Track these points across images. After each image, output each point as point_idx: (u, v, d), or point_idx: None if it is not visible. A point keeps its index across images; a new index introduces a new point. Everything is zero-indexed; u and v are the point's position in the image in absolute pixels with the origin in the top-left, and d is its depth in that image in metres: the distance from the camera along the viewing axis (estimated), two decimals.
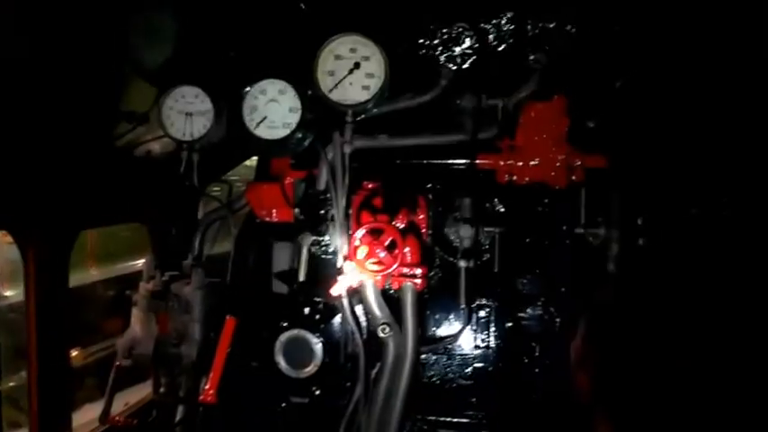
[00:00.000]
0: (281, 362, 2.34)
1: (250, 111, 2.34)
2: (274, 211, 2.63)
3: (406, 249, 2.32)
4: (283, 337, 2.33)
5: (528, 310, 2.54)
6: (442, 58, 2.39)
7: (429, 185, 2.59)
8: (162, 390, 2.93)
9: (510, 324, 2.55)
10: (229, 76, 2.37)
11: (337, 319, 2.43)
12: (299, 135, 2.39)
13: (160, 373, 2.91)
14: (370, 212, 2.32)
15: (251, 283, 2.60)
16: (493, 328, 2.56)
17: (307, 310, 2.39)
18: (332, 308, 2.40)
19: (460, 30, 2.41)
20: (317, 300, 2.40)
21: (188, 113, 2.35)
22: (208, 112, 2.35)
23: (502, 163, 2.41)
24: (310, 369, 2.32)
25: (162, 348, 2.72)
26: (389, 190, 2.42)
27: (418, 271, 2.37)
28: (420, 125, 2.52)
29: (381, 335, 2.37)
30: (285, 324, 2.34)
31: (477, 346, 2.57)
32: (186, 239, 2.82)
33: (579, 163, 2.33)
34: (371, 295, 2.40)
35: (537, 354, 2.49)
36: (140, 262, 3.33)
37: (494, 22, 2.43)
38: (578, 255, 2.46)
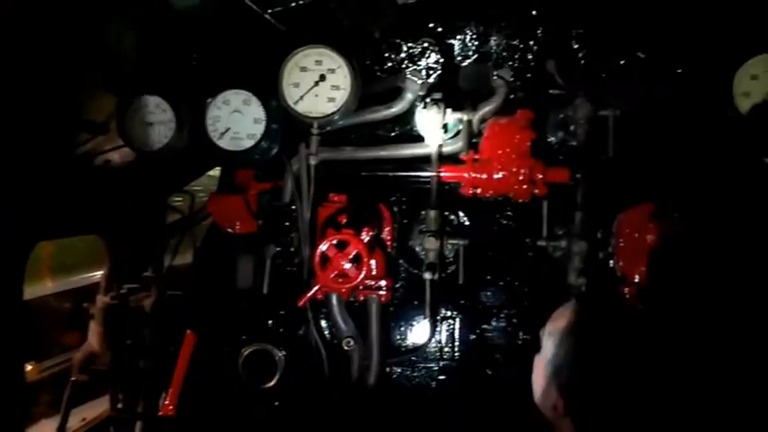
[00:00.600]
0: (244, 375, 2.31)
1: (213, 121, 2.31)
2: (238, 222, 2.60)
3: (372, 262, 2.33)
4: (246, 350, 2.31)
5: (492, 323, 2.56)
6: (408, 72, 2.40)
7: (394, 197, 2.60)
8: (120, 405, 2.85)
9: (473, 336, 2.56)
10: (192, 85, 2.34)
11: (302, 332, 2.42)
12: (264, 146, 2.37)
13: (118, 387, 2.83)
14: (335, 225, 2.32)
15: (213, 296, 2.56)
16: (457, 341, 2.57)
17: (270, 323, 2.36)
18: (296, 320, 2.37)
19: (426, 45, 2.42)
20: (281, 312, 2.37)
21: (149, 123, 2.31)
22: (169, 122, 2.31)
23: (466, 176, 2.42)
24: (273, 382, 2.29)
25: (120, 363, 2.65)
26: (355, 202, 2.42)
27: (383, 283, 2.38)
28: (386, 138, 2.54)
29: (346, 348, 2.37)
30: (247, 337, 2.31)
31: (441, 358, 2.57)
32: (146, 251, 2.76)
33: (541, 177, 2.36)
34: (336, 308, 2.40)
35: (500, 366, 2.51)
36: (99, 274, 3.25)
37: (459, 37, 2.46)
38: (541, 267, 2.50)
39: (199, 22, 2.24)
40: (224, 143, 2.32)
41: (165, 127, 2.31)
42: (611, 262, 2.42)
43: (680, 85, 2.28)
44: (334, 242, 2.11)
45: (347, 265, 2.12)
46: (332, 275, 2.11)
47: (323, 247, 2.11)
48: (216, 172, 2.84)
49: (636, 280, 2.28)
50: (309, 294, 2.16)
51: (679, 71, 2.29)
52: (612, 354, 1.28)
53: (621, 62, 2.33)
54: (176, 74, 2.35)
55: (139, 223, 2.67)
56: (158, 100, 2.30)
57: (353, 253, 2.11)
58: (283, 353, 2.29)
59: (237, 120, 2.30)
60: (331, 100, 2.25)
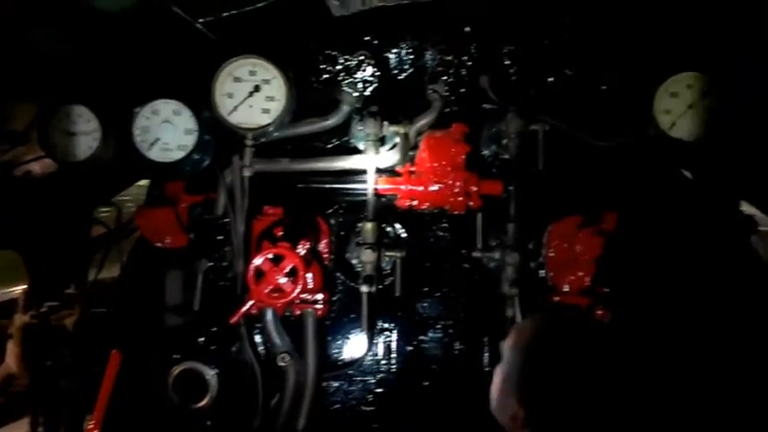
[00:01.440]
0: (174, 395, 2.22)
1: (141, 132, 2.23)
2: (167, 236, 2.51)
3: (308, 275, 2.30)
4: (176, 369, 2.22)
5: (429, 334, 2.58)
6: (345, 85, 2.39)
7: (331, 210, 2.58)
8: (40, 429, 2.69)
9: (411, 348, 2.57)
10: (119, 94, 2.25)
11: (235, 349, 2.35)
12: (196, 157, 2.30)
13: (38, 410, 2.67)
14: (271, 238, 2.27)
15: (140, 313, 2.45)
16: (394, 353, 2.57)
17: (201, 340, 2.29)
18: (229, 337, 2.31)
19: (362, 57, 2.43)
20: (213, 329, 2.30)
21: (72, 133, 2.20)
22: (94, 132, 2.21)
23: (403, 188, 2.44)
24: (205, 402, 2.21)
25: (39, 384, 2.50)
26: (291, 215, 2.38)
27: (320, 297, 2.35)
28: (322, 150, 2.52)
29: (281, 364, 2.33)
30: (178, 356, 2.23)
31: (378, 371, 2.56)
32: (69, 267, 2.62)
33: (476, 189, 2.40)
34: (271, 323, 2.35)
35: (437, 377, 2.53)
36: (17, 290, 3.07)
37: (394, 51, 2.47)
38: (476, 278, 2.54)
39: (126, 29, 2.16)
40: (153, 154, 2.24)
41: (90, 137, 2.21)
42: (542, 272, 2.50)
43: (604, 102, 2.37)
44: (270, 256, 2.07)
45: (282, 280, 2.08)
46: (267, 290, 2.07)
47: (257, 261, 2.06)
48: (146, 182, 2.74)
49: (565, 289, 2.35)
50: (243, 310, 2.10)
51: (603, 88, 2.38)
52: (574, 365, 1.30)
53: (550, 79, 2.40)
54: (102, 82, 2.25)
55: (61, 237, 2.53)
56: (82, 109, 2.19)
57: (289, 267, 2.07)
58: (215, 371, 2.21)
59: (167, 130, 2.23)
60: (266, 111, 2.22)
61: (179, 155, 2.24)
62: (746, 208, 2.58)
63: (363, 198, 2.38)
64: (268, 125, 2.21)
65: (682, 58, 2.18)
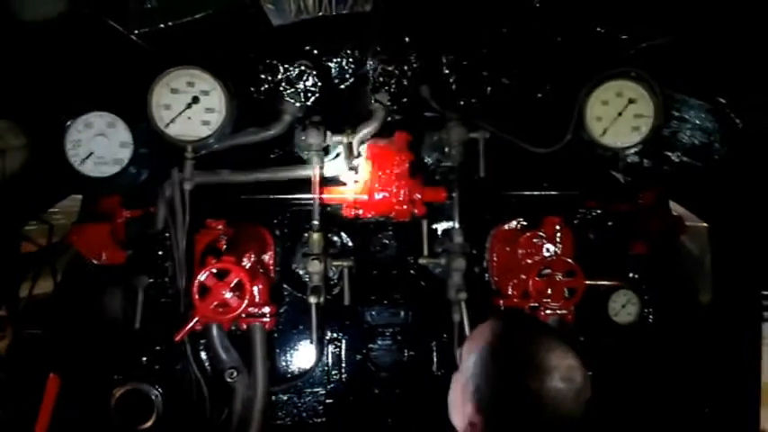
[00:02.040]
0: (117, 418, 2.14)
1: (73, 145, 2.14)
2: (103, 253, 2.42)
3: (255, 288, 2.27)
4: (118, 390, 2.14)
5: (378, 342, 2.59)
6: (286, 94, 2.37)
7: (276, 220, 2.56)
8: None
9: (360, 357, 2.57)
10: (49, 106, 2.15)
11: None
12: (132, 171, 2.23)
13: None
14: (214, 252, 2.23)
15: (78, 334, 2.34)
16: (344, 363, 2.56)
17: (144, 360, 2.21)
18: (173, 355, 2.25)
19: (303, 67, 2.41)
20: (156, 347, 2.23)
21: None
22: (22, 147, 2.10)
23: (347, 197, 2.44)
24: (149, 424, 2.15)
25: None
26: (235, 227, 2.34)
27: (267, 310, 2.32)
28: (266, 160, 2.49)
29: (228, 380, 2.28)
30: (119, 377, 2.15)
31: (328, 382, 2.55)
32: None
33: (420, 197, 2.43)
34: (216, 338, 2.30)
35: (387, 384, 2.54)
36: None
37: (336, 60, 2.47)
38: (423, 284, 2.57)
39: (55, 39, 2.07)
40: (86, 169, 2.15)
41: (18, 152, 2.11)
42: (487, 275, 2.56)
43: (540, 110, 2.45)
44: (214, 271, 2.02)
45: (228, 295, 2.04)
46: (212, 306, 2.02)
47: (201, 276, 2.01)
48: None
49: (510, 292, 2.41)
50: (188, 328, 2.05)
51: (539, 95, 2.46)
52: (531, 371, 1.31)
53: (489, 89, 2.46)
54: (30, 94, 2.15)
55: None
56: (9, 124, 2.09)
57: (235, 281, 2.03)
58: (160, 391, 2.15)
59: (101, 144, 2.15)
60: (205, 123, 2.17)
61: (114, 169, 2.16)
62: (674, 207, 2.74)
63: (308, 208, 2.37)
64: (208, 137, 2.16)
65: (612, 67, 2.28)
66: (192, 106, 2.15)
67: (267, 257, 2.44)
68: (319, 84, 2.45)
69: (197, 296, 2.01)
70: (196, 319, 2.05)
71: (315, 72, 2.41)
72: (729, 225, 2.54)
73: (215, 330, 2.28)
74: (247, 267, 2.21)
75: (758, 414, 2.42)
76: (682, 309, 2.68)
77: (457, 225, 2.38)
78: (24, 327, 2.41)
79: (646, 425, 2.56)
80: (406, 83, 2.51)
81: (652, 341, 2.65)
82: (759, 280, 2.46)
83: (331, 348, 2.56)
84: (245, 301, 2.03)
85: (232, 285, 2.03)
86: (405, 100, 2.52)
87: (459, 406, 1.41)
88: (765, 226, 2.37)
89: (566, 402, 1.30)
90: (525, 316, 2.22)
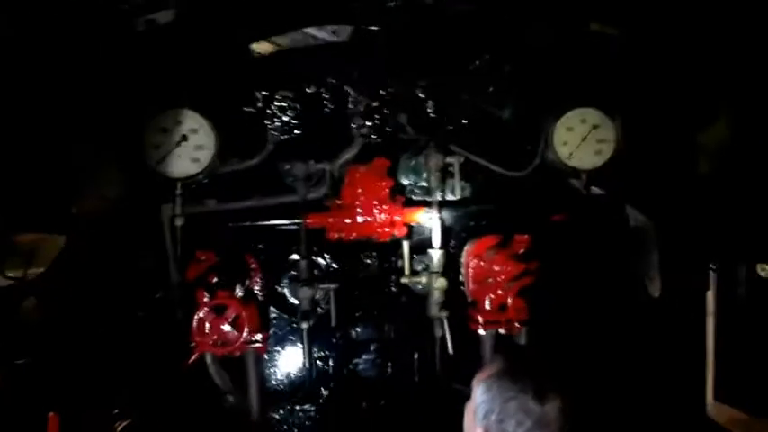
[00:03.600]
0: None
1: None
2: None
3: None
4: (119, 425, 2.20)
5: (363, 357, 2.72)
6: (269, 124, 2.44)
7: (260, 246, 2.63)
8: None
9: (346, 372, 2.70)
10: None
11: None
12: None
13: None
14: (205, 285, 2.29)
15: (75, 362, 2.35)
16: (331, 379, 2.69)
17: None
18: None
19: (284, 98, 2.48)
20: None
21: None
22: None
23: (331, 221, 2.54)
24: None
25: None
26: (223, 257, 2.41)
27: (259, 336, 2.41)
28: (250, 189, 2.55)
29: (225, 405, 2.37)
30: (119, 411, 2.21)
31: (317, 398, 2.67)
32: None
33: (399, 218, 2.56)
34: (211, 366, 2.38)
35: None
36: None
37: (315, 90, 2.55)
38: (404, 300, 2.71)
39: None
40: None
41: None
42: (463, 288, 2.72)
43: (512, 135, 2.61)
44: (212, 307, 2.10)
45: (227, 328, 2.12)
46: (212, 341, 2.10)
47: (200, 313, 2.08)
48: None
49: (486, 306, 2.58)
50: (191, 360, 2.12)
51: (510, 122, 2.62)
52: (531, 401, 1.51)
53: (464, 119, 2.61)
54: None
55: None
56: None
57: (232, 316, 2.11)
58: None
59: None
60: (195, 160, 2.22)
61: None
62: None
63: (290, 230, 2.46)
64: (198, 174, 2.22)
65: (576, 96, 2.46)
66: (180, 144, 2.20)
67: (255, 283, 2.51)
68: (300, 113, 2.54)
69: (198, 333, 2.08)
70: (198, 352, 2.12)
71: (296, 103, 2.49)
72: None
73: (209, 358, 2.35)
74: (239, 297, 2.30)
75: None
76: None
77: (436, 245, 2.52)
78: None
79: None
80: (384, 110, 2.64)
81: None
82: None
83: (318, 366, 2.68)
84: (244, 335, 2.11)
85: (230, 320, 2.11)
86: (384, 127, 2.64)
87: (471, 430, 1.60)
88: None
89: (552, 418, 1.53)
90: (520, 354, 2.42)
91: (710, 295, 2.75)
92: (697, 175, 2.60)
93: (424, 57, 2.54)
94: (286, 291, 2.67)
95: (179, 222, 2.25)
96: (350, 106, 2.58)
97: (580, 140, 2.47)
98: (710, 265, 2.70)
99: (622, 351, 2.86)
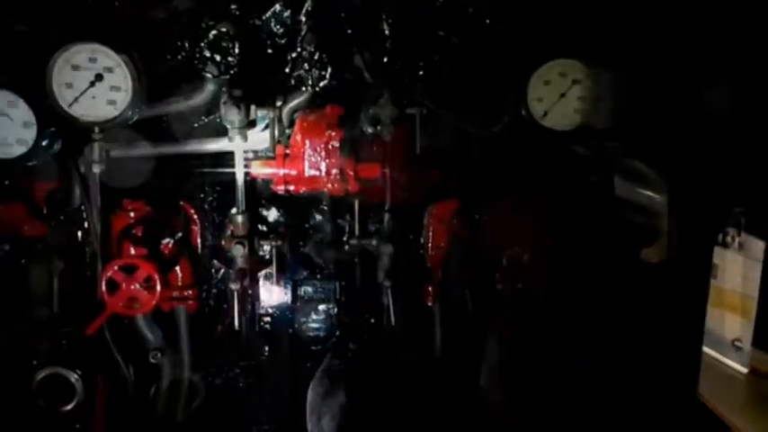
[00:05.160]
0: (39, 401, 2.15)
1: None
2: (25, 227, 2.33)
3: (177, 270, 2.23)
4: (39, 375, 2.14)
5: (311, 316, 2.57)
6: (207, 65, 2.19)
7: (203, 194, 2.45)
8: None
9: (291, 331, 2.56)
10: None
11: None
12: (44, 144, 2.10)
13: None
14: (131, 237, 2.15)
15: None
16: (274, 338, 2.56)
17: (64, 343, 2.20)
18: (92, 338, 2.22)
19: (225, 30, 2.20)
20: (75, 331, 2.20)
21: None
22: None
23: (277, 172, 2.32)
24: (70, 406, 2.16)
25: None
26: (154, 207, 2.25)
27: (189, 292, 2.28)
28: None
29: (153, 361, 2.28)
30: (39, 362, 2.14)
31: (259, 357, 2.56)
32: None
33: (352, 174, 2.31)
34: (140, 320, 2.28)
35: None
36: None
37: (263, 23, 2.27)
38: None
39: None
40: None
41: None
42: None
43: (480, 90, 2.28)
44: (121, 266, 1.95)
45: (139, 288, 1.98)
46: (122, 302, 1.97)
47: (108, 272, 1.94)
48: None
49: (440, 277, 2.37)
50: (99, 321, 2.01)
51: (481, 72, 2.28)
52: None
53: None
54: None
55: None
56: None
57: (144, 276, 1.97)
58: (79, 374, 2.14)
59: (3, 124, 2.00)
60: (111, 102, 2.01)
61: (19, 150, 2.03)
62: None
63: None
64: (114, 118, 2.01)
65: (554, 46, 2.09)
66: (95, 84, 1.99)
67: (193, 234, 2.36)
68: (244, 50, 2.27)
69: (106, 292, 1.95)
70: (107, 313, 2.00)
71: (237, 37, 2.21)
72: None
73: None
74: (169, 250, 2.16)
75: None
76: None
77: (387, 206, 2.29)
78: None
79: None
80: (340, 50, 2.34)
81: None
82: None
83: (262, 324, 2.55)
84: (156, 299, 1.97)
85: (142, 281, 1.97)
86: (338, 68, 2.35)
87: None
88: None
89: None
90: None
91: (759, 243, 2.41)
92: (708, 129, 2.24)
93: None
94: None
95: (97, 170, 2.06)
96: (302, 44, 2.29)
97: (557, 97, 2.12)
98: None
99: (615, 323, 2.61)
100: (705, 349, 2.37)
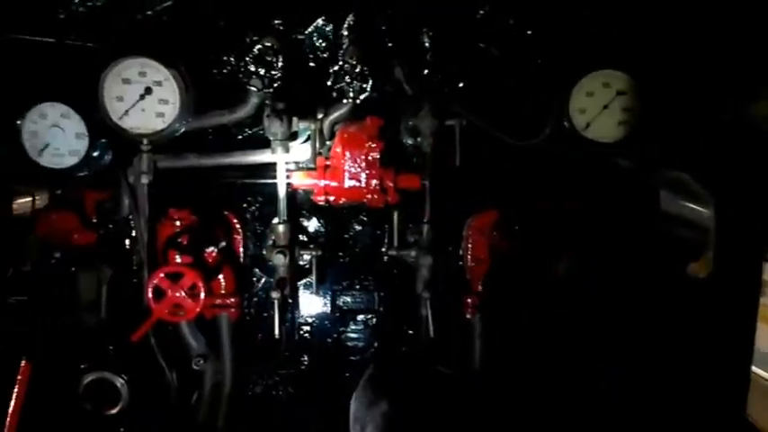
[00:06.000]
0: (86, 404, 2.22)
1: (30, 137, 2.09)
2: (75, 235, 2.41)
3: (221, 278, 2.27)
4: (86, 379, 2.20)
5: (350, 326, 2.58)
6: (252, 78, 2.24)
7: (245, 204, 2.50)
8: None
9: (330, 341, 2.58)
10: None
11: None
12: (95, 155, 2.18)
13: None
14: (177, 246, 2.20)
15: (50, 319, 2.38)
16: (315, 347, 2.58)
17: (111, 349, 2.26)
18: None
19: (270, 44, 2.25)
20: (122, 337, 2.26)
21: None
22: None
23: (318, 183, 2.35)
24: (115, 410, 2.22)
25: None
26: (200, 214, 2.29)
27: (232, 300, 2.32)
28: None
29: (196, 368, 2.32)
30: (86, 366, 2.21)
31: (299, 366, 2.58)
32: None
33: (392, 185, 2.32)
34: (185, 326, 2.33)
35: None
36: None
37: (305, 38, 2.31)
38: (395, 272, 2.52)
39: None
40: (44, 160, 2.11)
41: None
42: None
43: (521, 101, 2.27)
44: (167, 274, 2.00)
45: (183, 295, 2.02)
46: (168, 309, 2.02)
47: (154, 280, 1.99)
48: None
49: (479, 289, 2.35)
50: (145, 327, 2.06)
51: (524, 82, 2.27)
52: None
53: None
54: None
55: None
56: None
57: (190, 284, 2.01)
58: (125, 378, 2.20)
59: (57, 135, 2.09)
60: (160, 115, 2.07)
61: (71, 161, 2.11)
62: None
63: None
64: (162, 130, 2.07)
65: (599, 56, 2.07)
66: (144, 97, 2.06)
67: (235, 244, 2.40)
68: (287, 63, 2.31)
69: (152, 299, 2.01)
70: (153, 319, 2.05)
71: (281, 51, 2.26)
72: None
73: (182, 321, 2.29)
74: (213, 259, 2.21)
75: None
76: None
77: (427, 217, 2.29)
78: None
79: None
80: (380, 62, 2.36)
81: None
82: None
83: (302, 332, 2.57)
84: (200, 304, 2.01)
85: (187, 289, 2.02)
86: (379, 81, 2.37)
87: None
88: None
89: None
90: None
91: None
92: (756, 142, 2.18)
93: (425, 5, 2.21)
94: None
95: (145, 180, 2.13)
96: (343, 57, 2.32)
97: (601, 108, 2.10)
98: None
99: (662, 340, 2.55)
100: (754, 368, 2.30)
